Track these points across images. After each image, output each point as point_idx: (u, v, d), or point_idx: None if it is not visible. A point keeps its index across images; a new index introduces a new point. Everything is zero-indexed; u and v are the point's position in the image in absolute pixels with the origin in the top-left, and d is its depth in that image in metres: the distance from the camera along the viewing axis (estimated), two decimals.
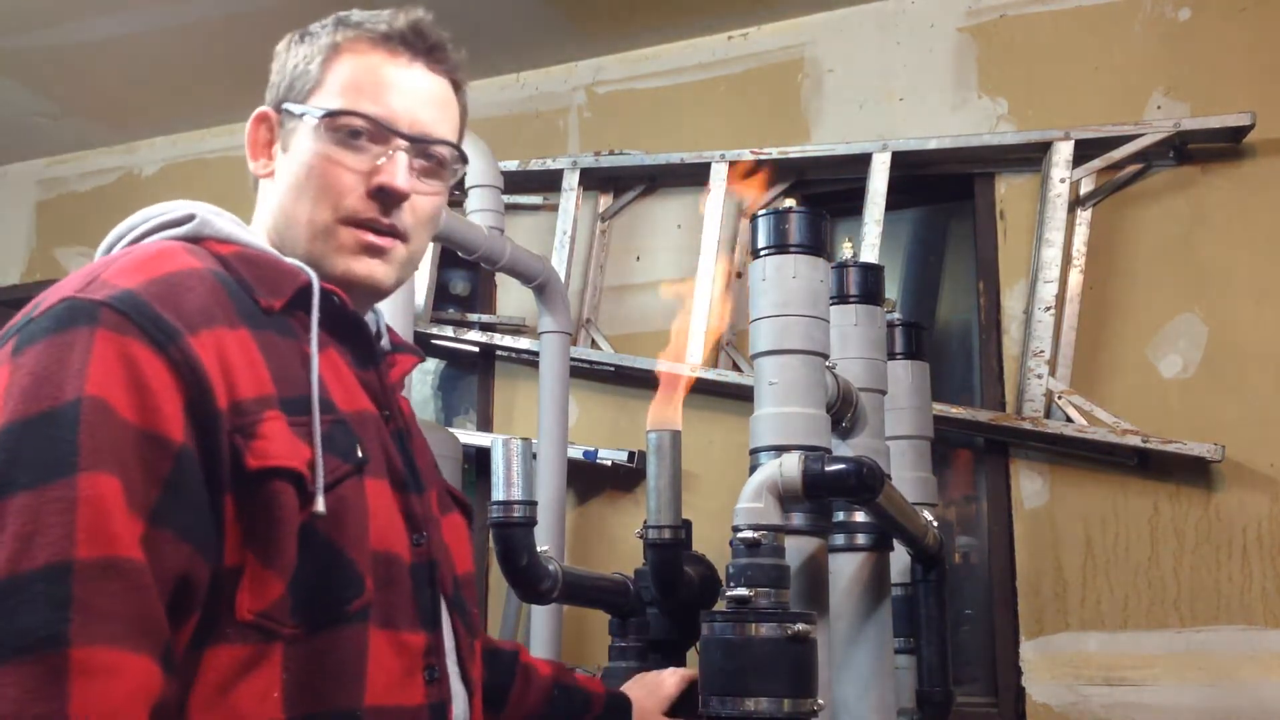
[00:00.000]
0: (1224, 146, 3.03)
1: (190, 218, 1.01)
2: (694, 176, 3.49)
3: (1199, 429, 2.90)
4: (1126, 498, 2.97)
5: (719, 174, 3.40)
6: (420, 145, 1.07)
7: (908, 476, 2.28)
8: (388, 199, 1.04)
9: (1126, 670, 2.89)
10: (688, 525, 1.84)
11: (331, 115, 1.04)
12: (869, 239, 3.17)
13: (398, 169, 1.04)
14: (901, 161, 3.24)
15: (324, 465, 0.92)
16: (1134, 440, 2.89)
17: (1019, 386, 3.06)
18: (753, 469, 1.52)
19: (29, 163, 4.59)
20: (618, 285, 3.61)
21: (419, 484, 1.06)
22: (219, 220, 1.03)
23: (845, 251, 2.03)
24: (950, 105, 3.33)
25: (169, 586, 0.83)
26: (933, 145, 3.23)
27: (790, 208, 1.63)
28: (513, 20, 3.56)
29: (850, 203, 3.31)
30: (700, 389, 3.25)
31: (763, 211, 1.64)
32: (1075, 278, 3.07)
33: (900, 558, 2.19)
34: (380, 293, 1.09)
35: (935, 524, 2.15)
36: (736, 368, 3.32)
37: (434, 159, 1.09)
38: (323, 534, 0.91)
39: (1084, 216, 3.10)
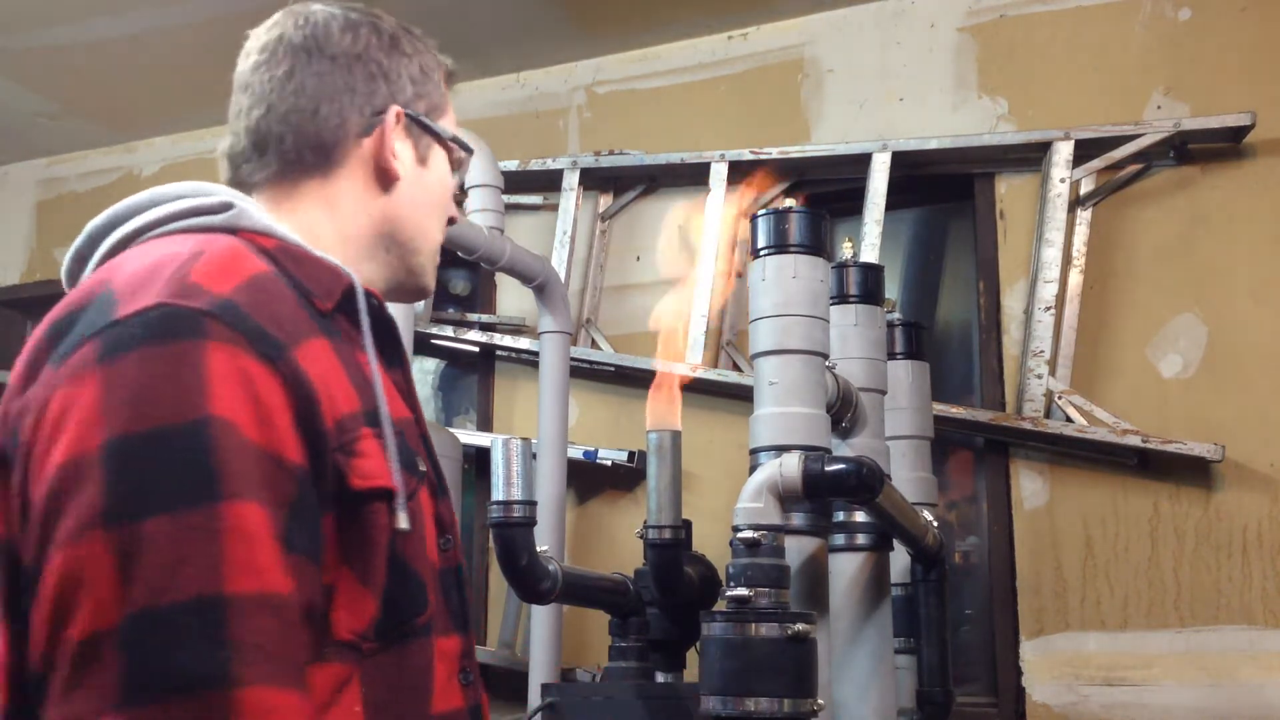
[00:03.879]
0: (1224, 146, 3.03)
1: (227, 206, 0.94)
2: (694, 176, 3.49)
3: (1199, 429, 2.90)
4: (1126, 498, 2.97)
5: (719, 174, 3.40)
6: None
7: (908, 476, 2.28)
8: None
9: (1126, 670, 2.89)
10: (688, 525, 1.84)
11: (468, 153, 1.11)
12: (869, 239, 3.17)
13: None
14: (901, 161, 3.24)
15: (402, 481, 0.91)
16: (1134, 440, 2.89)
17: (1019, 386, 3.06)
18: (753, 469, 1.52)
19: (29, 163, 4.59)
20: (618, 285, 3.61)
21: (444, 486, 1.06)
22: (255, 210, 0.96)
23: (845, 251, 2.03)
24: (950, 105, 3.33)
25: (305, 614, 0.81)
26: (933, 145, 3.23)
27: (790, 208, 1.63)
28: (513, 20, 3.56)
29: (850, 203, 3.31)
30: (700, 389, 3.25)
31: (763, 211, 1.64)
32: (1075, 278, 3.07)
33: (900, 558, 2.19)
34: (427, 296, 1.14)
35: (935, 524, 2.16)
36: (736, 368, 3.32)
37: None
38: (398, 549, 0.90)
39: (1084, 216, 3.10)
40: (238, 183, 1.03)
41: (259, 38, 1.05)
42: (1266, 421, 2.89)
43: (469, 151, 1.12)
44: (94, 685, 0.73)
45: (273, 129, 1.01)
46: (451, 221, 1.11)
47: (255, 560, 0.76)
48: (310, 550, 0.82)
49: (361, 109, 1.02)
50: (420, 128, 1.06)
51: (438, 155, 1.08)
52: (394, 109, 1.03)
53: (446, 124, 1.09)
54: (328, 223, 1.01)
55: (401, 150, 1.04)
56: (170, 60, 3.82)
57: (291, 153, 1.01)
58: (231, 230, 0.93)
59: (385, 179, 1.03)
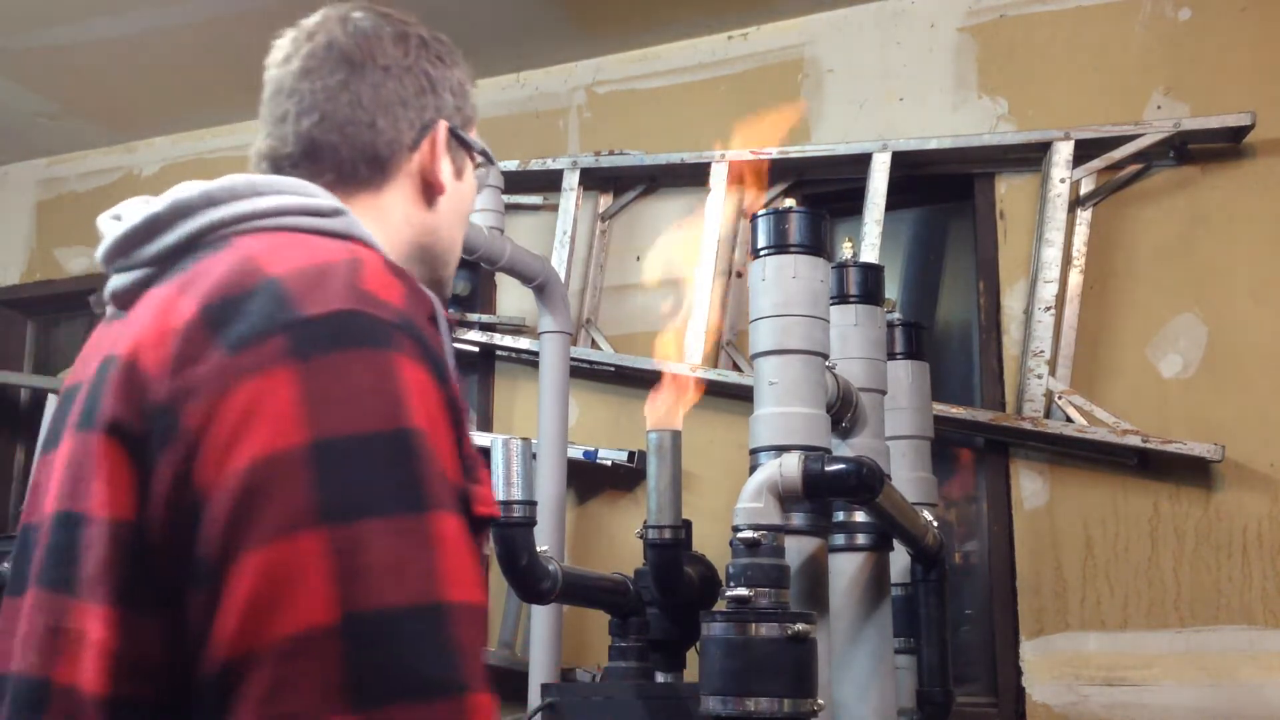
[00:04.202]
0: (1224, 146, 3.03)
1: (339, 212, 0.93)
2: (694, 176, 3.49)
3: (1199, 429, 2.90)
4: (1126, 498, 2.97)
5: (719, 174, 3.40)
6: None
7: (908, 476, 2.28)
8: None
9: (1126, 670, 2.89)
10: (688, 525, 1.85)
11: (491, 165, 1.11)
12: (869, 239, 3.17)
13: None
14: (901, 161, 3.24)
15: None
16: (1134, 440, 2.89)
17: (1019, 386, 3.06)
18: (753, 469, 1.52)
19: (29, 163, 4.60)
20: (618, 285, 3.61)
21: None
22: (359, 221, 0.95)
23: (845, 251, 2.03)
24: (950, 105, 3.33)
25: None
26: (933, 145, 3.23)
27: (790, 208, 1.63)
28: (513, 20, 3.56)
29: (850, 203, 3.31)
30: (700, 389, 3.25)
31: (763, 211, 1.64)
32: (1075, 278, 3.07)
33: (900, 558, 2.19)
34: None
35: (935, 524, 2.16)
36: (736, 368, 3.32)
37: None
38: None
39: (1084, 216, 3.10)
40: None
41: (301, 42, 1.02)
42: (1266, 421, 2.89)
43: (492, 163, 1.13)
44: (316, 683, 0.71)
45: (328, 139, 0.99)
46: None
47: (463, 570, 0.78)
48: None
49: (413, 122, 1.02)
50: (458, 141, 1.06)
51: (469, 168, 1.09)
52: (441, 124, 1.04)
53: (475, 135, 1.10)
54: (379, 234, 0.99)
55: (444, 165, 1.04)
56: (170, 60, 3.82)
57: (348, 164, 1.00)
58: (345, 237, 0.92)
59: (430, 193, 1.04)
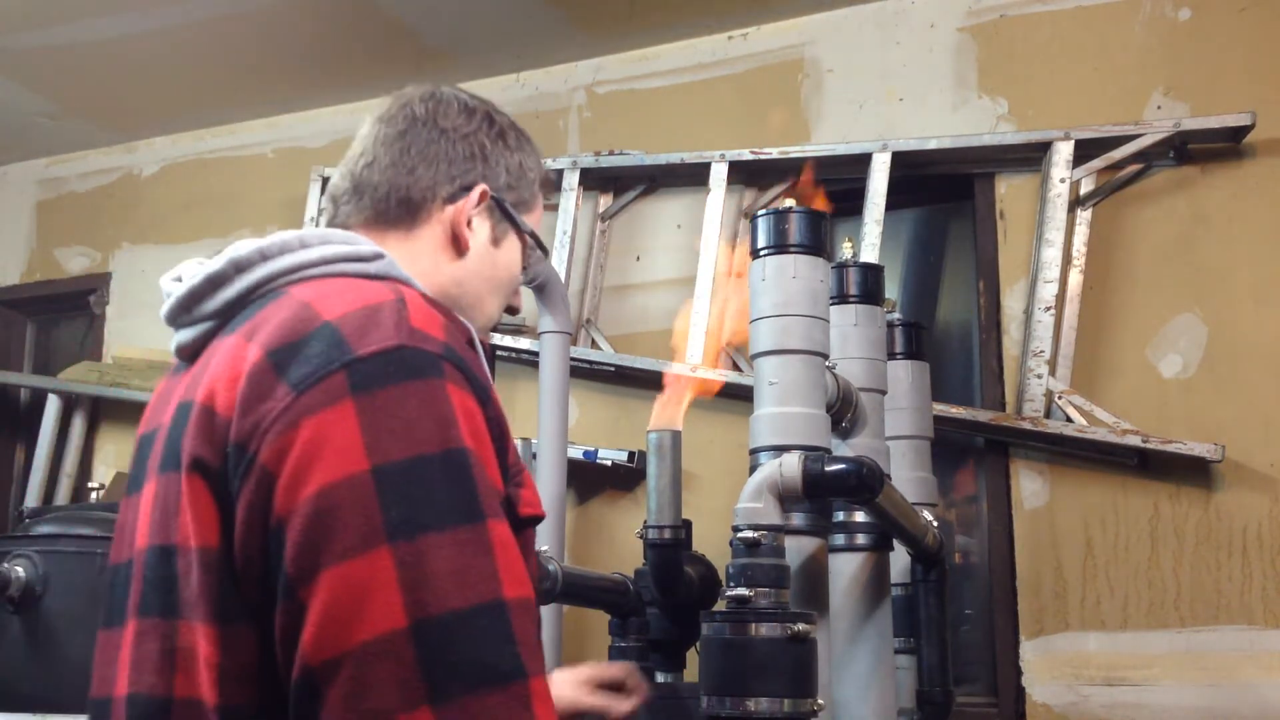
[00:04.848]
0: (1224, 146, 3.03)
1: (379, 256, 1.03)
2: (694, 176, 3.49)
3: (1199, 429, 2.90)
4: (1126, 498, 2.97)
5: (719, 174, 3.40)
6: None
7: (908, 476, 2.28)
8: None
9: (1126, 670, 2.89)
10: (688, 525, 1.85)
11: (544, 254, 1.22)
12: (869, 239, 3.17)
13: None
14: (901, 161, 3.24)
15: None
16: (1134, 440, 2.89)
17: (1019, 386, 3.06)
18: (753, 469, 1.52)
19: (29, 163, 4.59)
20: (618, 285, 3.61)
21: None
22: (397, 263, 1.06)
23: (845, 251, 2.03)
24: (950, 105, 3.33)
25: None
26: (933, 145, 3.23)
27: (790, 208, 1.63)
28: (513, 20, 3.56)
29: (850, 203, 3.31)
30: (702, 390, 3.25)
31: (762, 211, 1.64)
32: (1075, 278, 3.07)
33: (900, 558, 2.19)
34: None
35: (935, 524, 2.16)
36: (736, 368, 3.32)
37: None
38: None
39: (1084, 216, 3.10)
40: (339, 221, 1.13)
41: (388, 105, 1.17)
42: (1266, 421, 2.89)
43: (545, 253, 1.22)
44: (395, 682, 0.79)
45: (372, 178, 1.12)
46: (512, 311, 1.22)
47: (518, 570, 0.86)
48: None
49: (453, 179, 1.13)
50: (502, 213, 1.16)
51: (511, 242, 1.18)
52: (480, 187, 1.13)
53: (530, 220, 1.20)
54: (411, 273, 1.08)
55: (479, 226, 1.14)
56: (170, 60, 3.82)
57: (383, 203, 1.11)
58: (384, 278, 1.01)
59: (458, 246, 1.13)
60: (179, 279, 1.05)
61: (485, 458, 0.89)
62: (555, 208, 3.61)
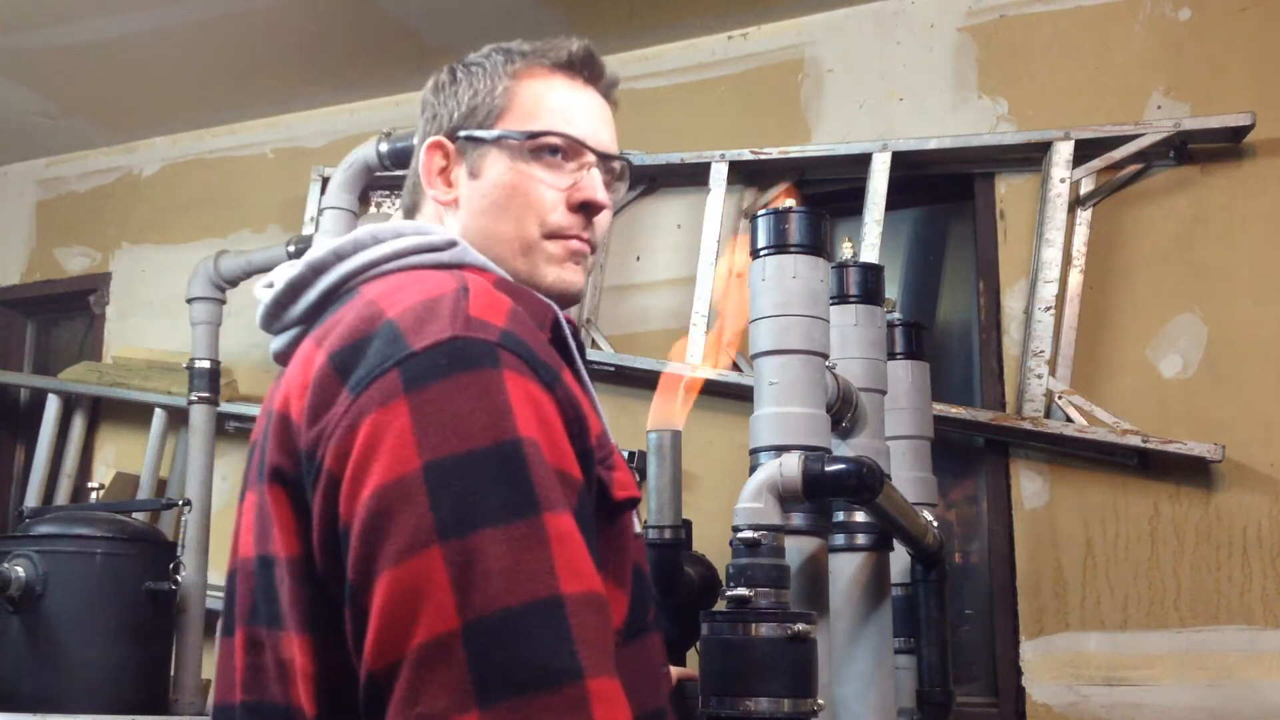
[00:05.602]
0: (1224, 146, 3.03)
1: (453, 244, 1.02)
2: (694, 176, 3.49)
3: (1199, 429, 2.90)
4: (1126, 498, 2.97)
5: (719, 174, 3.40)
6: (606, 161, 1.14)
7: (908, 476, 2.28)
8: (590, 212, 1.12)
9: (1127, 670, 2.89)
10: (688, 525, 1.85)
11: (534, 136, 1.09)
12: (869, 239, 3.16)
13: (596, 184, 1.11)
14: (901, 161, 3.24)
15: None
16: (1134, 440, 2.89)
17: (1019, 386, 3.06)
18: (753, 469, 1.52)
19: (29, 163, 4.59)
20: (618, 285, 3.61)
21: None
22: (471, 247, 1.05)
23: (845, 251, 2.03)
24: (950, 105, 3.33)
25: None
26: (933, 145, 3.23)
27: (790, 208, 1.63)
28: (512, 20, 3.56)
29: (850, 203, 3.31)
30: (700, 389, 3.25)
31: (762, 211, 1.64)
32: (1075, 278, 3.07)
33: (900, 558, 2.19)
34: (577, 301, 1.15)
35: (935, 524, 2.16)
36: (736, 368, 3.32)
37: (613, 174, 1.16)
38: (633, 552, 0.99)
39: (1084, 216, 3.10)
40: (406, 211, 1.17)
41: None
42: (1266, 421, 2.89)
43: (537, 133, 1.10)
44: (446, 685, 0.78)
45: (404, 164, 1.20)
46: (585, 204, 1.10)
47: (579, 565, 0.83)
48: (600, 559, 0.89)
49: (426, 151, 1.13)
50: (468, 142, 1.11)
51: (493, 160, 1.10)
52: (424, 144, 1.13)
53: (515, 122, 1.10)
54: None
55: (458, 174, 1.11)
56: (170, 60, 3.82)
57: (406, 194, 1.17)
58: (459, 265, 1.01)
59: (443, 204, 1.12)
60: (270, 285, 1.06)
61: (554, 445, 0.86)
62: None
